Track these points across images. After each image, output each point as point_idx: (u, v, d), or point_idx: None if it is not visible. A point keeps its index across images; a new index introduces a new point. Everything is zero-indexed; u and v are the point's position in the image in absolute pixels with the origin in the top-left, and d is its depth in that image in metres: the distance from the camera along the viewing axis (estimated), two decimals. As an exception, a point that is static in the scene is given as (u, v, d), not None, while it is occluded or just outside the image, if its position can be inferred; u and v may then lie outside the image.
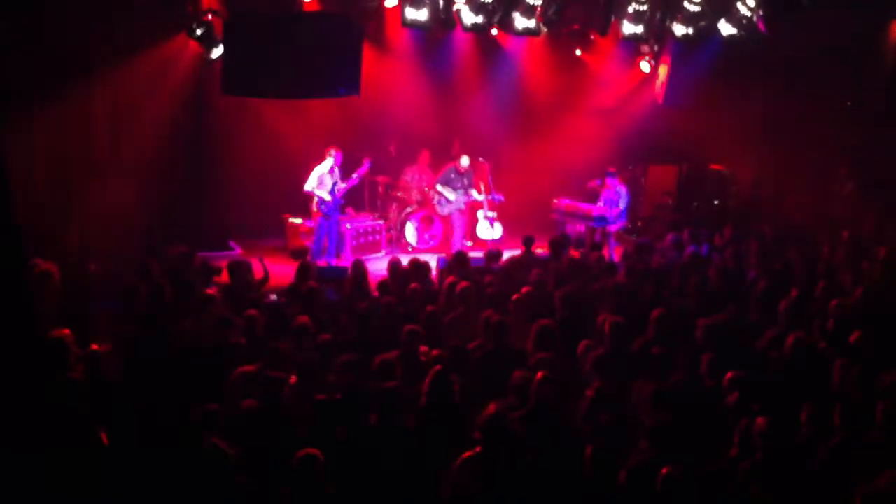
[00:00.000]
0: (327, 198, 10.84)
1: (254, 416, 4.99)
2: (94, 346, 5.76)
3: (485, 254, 9.32)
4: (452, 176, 11.97)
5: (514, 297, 7.09)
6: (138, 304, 6.76)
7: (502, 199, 12.18)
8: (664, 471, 4.11)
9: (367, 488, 4.57)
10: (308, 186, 10.88)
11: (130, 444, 4.70)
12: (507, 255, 9.36)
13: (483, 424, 4.57)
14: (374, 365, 5.64)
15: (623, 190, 11.91)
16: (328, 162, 10.86)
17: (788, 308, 6.67)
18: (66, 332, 5.58)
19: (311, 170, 10.93)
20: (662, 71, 12.94)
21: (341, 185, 10.92)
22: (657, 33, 12.28)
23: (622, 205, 11.82)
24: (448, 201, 11.94)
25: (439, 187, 11.94)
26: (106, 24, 10.29)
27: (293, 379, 5.40)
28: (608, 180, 11.92)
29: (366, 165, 11.16)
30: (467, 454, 4.51)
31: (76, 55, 10.18)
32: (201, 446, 4.48)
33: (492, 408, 4.80)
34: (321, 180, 10.86)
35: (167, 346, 6.08)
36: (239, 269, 7.69)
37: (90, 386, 5.18)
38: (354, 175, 11.05)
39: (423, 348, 6.06)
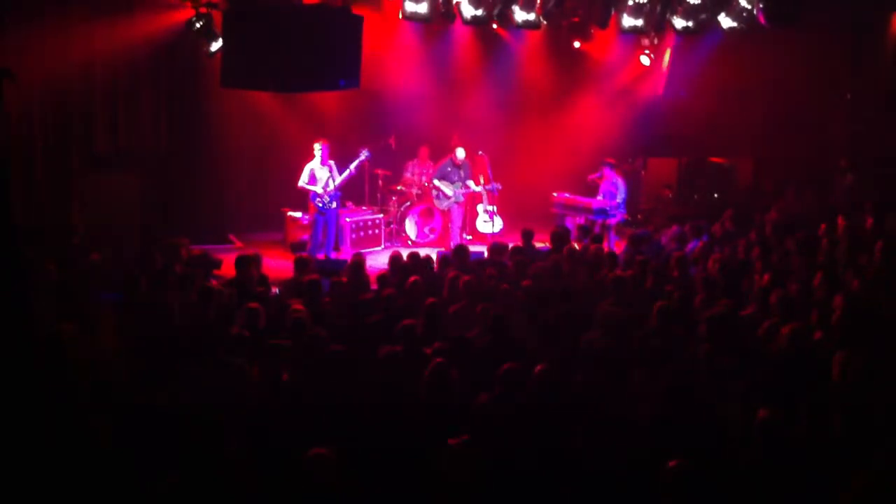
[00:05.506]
0: (320, 192, 10.84)
1: (254, 411, 4.99)
2: (97, 339, 5.78)
3: (489, 247, 9.32)
4: (449, 169, 11.96)
5: (506, 287, 7.09)
6: (140, 295, 6.77)
7: (500, 187, 12.16)
8: (664, 464, 4.13)
9: (366, 483, 4.57)
10: (300, 183, 10.87)
11: (134, 441, 4.67)
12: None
13: (477, 416, 4.57)
14: (376, 358, 5.65)
15: (620, 182, 11.89)
16: (317, 156, 10.84)
17: (784, 299, 6.68)
18: (68, 325, 5.58)
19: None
20: (663, 63, 12.94)
21: (337, 178, 10.90)
22: (657, 26, 12.26)
23: (620, 197, 11.82)
24: (446, 196, 11.95)
25: (437, 182, 11.93)
26: (107, 15, 10.30)
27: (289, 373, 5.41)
28: (606, 172, 11.92)
29: (362, 157, 11.12)
30: (452, 441, 4.48)
31: (76, 49, 10.19)
32: (221, 447, 4.44)
33: (483, 398, 4.80)
34: (312, 175, 10.85)
35: (169, 339, 6.09)
36: (246, 263, 7.69)
37: (92, 381, 5.19)
38: (351, 167, 11.01)
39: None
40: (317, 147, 10.82)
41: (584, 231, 10.82)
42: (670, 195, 14.33)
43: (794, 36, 12.20)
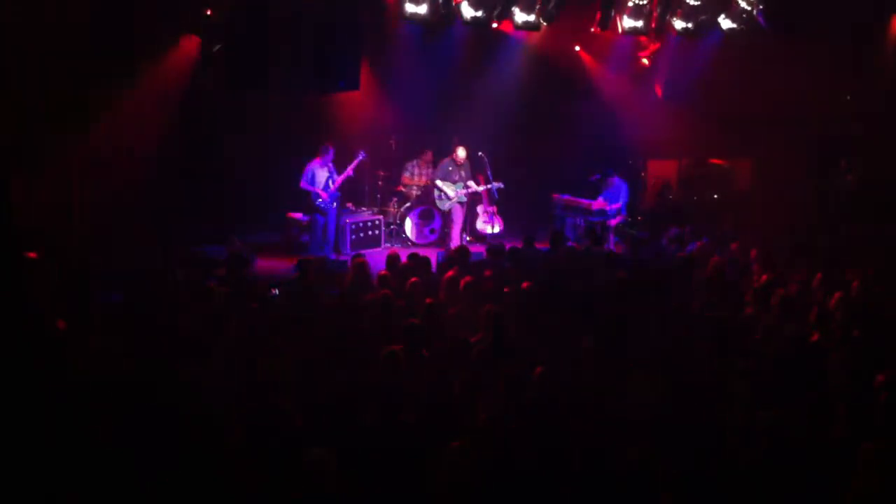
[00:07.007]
0: (321, 193, 10.85)
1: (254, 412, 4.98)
2: (97, 339, 5.77)
3: (487, 249, 9.33)
4: (450, 169, 11.96)
5: (509, 290, 7.11)
6: (140, 296, 6.77)
7: (501, 185, 12.13)
8: (665, 465, 4.13)
9: (365, 484, 4.56)
10: (302, 184, 10.89)
11: (134, 441, 4.67)
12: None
13: (482, 420, 4.57)
14: (377, 359, 5.64)
15: (623, 185, 11.91)
16: (319, 158, 10.86)
17: (784, 300, 6.69)
18: (68, 325, 5.58)
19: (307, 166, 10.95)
20: (663, 64, 12.96)
21: (335, 179, 10.92)
22: (657, 28, 12.28)
23: (622, 200, 11.83)
24: (448, 197, 11.95)
25: (438, 183, 11.93)
26: (104, 17, 10.29)
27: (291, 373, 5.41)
28: (610, 175, 11.92)
29: (359, 158, 11.14)
30: (455, 444, 4.48)
31: (75, 49, 10.18)
32: (221, 447, 4.40)
33: (490, 403, 4.80)
34: (313, 176, 10.86)
35: (170, 339, 6.09)
36: (238, 263, 7.71)
37: (92, 381, 5.18)
38: (349, 167, 11.03)
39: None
40: (325, 150, 10.86)
41: (590, 232, 10.82)
42: (670, 197, 14.32)
43: (794, 37, 12.21)
